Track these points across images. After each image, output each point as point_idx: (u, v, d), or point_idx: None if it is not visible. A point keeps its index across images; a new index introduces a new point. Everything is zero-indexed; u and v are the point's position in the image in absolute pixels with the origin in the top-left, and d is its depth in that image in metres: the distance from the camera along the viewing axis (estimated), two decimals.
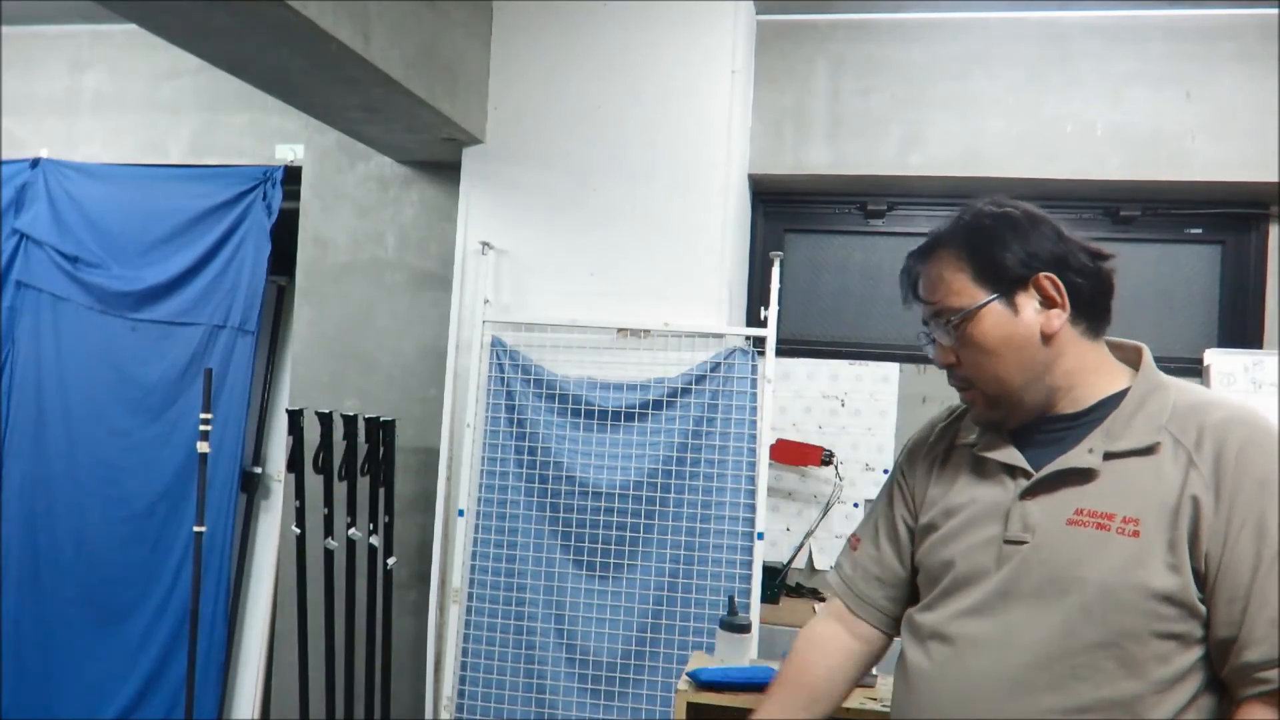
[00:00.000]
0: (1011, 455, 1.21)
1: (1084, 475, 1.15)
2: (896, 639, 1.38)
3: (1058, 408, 1.20)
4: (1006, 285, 1.18)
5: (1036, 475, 1.18)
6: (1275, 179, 2.93)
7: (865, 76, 3.21)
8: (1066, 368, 1.19)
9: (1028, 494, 1.17)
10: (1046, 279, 1.18)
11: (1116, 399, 1.18)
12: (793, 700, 1.37)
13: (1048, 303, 1.18)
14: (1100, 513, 1.12)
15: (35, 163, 3.69)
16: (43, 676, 3.53)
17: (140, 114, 3.70)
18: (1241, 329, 3.18)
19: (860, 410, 3.35)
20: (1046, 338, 1.18)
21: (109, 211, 3.61)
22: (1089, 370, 1.20)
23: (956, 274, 1.20)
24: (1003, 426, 1.23)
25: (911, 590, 1.36)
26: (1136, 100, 3.03)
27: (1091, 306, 1.20)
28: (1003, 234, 1.19)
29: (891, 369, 3.33)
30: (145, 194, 3.60)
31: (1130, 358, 1.23)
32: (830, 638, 1.40)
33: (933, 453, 1.34)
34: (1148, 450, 1.13)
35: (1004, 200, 1.24)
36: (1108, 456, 1.14)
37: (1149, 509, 1.10)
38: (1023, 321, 1.18)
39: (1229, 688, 1.10)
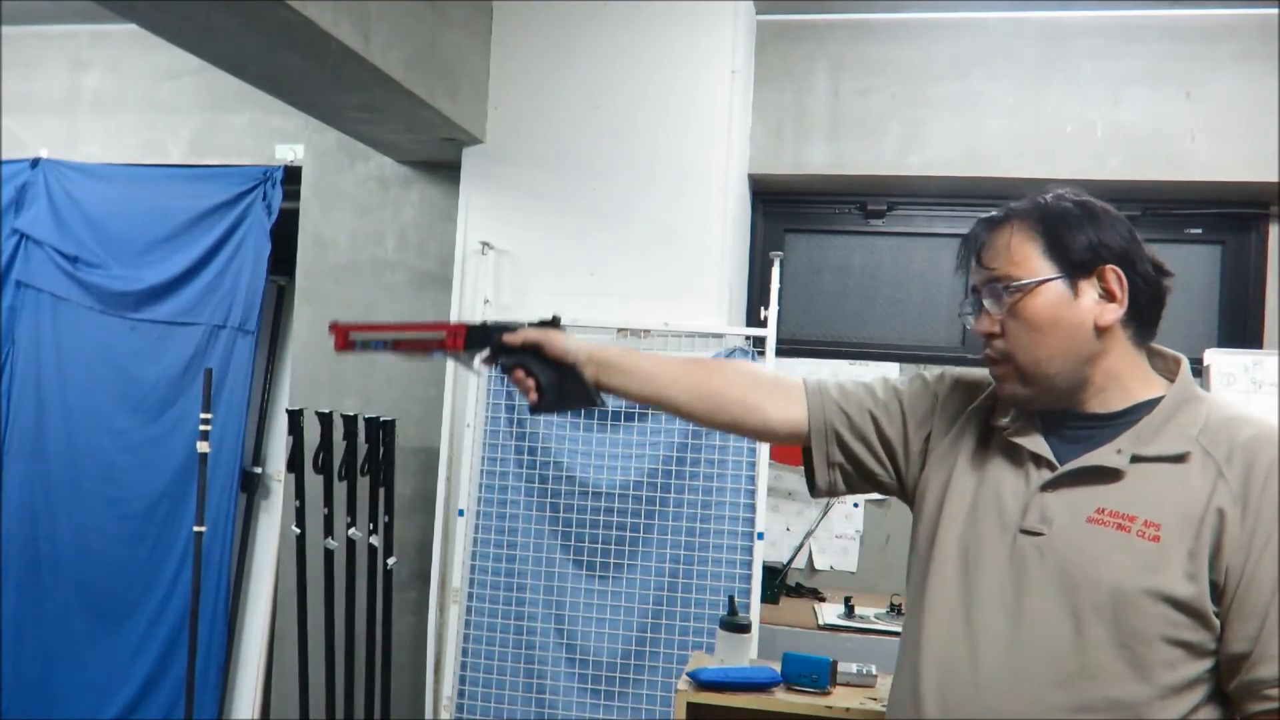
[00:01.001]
0: (1039, 445, 1.20)
1: (1109, 475, 1.14)
2: (891, 640, 1.36)
3: (1087, 406, 1.19)
4: (1072, 268, 1.17)
5: (1061, 469, 1.17)
6: (1275, 179, 2.93)
7: (865, 76, 3.21)
8: (1106, 367, 1.18)
9: (1049, 487, 1.17)
10: (1112, 271, 1.17)
11: (1150, 405, 1.18)
12: (688, 376, 1.36)
13: (1107, 295, 1.17)
14: (1122, 514, 1.12)
15: (35, 163, 3.69)
16: (43, 676, 3.53)
17: (140, 114, 3.70)
18: (1241, 329, 3.19)
19: None
20: (1099, 330, 1.17)
21: (109, 211, 3.62)
22: (1126, 374, 1.19)
23: (1025, 245, 1.18)
24: (1027, 407, 1.21)
25: (855, 465, 1.34)
26: (1136, 100, 3.03)
27: (1144, 314, 1.19)
28: (1080, 219, 1.19)
29: (891, 369, 3.33)
30: (145, 194, 3.61)
31: (1169, 368, 1.23)
32: (764, 387, 1.37)
33: (969, 422, 1.30)
34: (1177, 458, 1.12)
35: (1084, 194, 1.24)
36: (1135, 459, 1.14)
37: (1172, 516, 1.10)
38: (1079, 307, 1.17)
39: (1235, 703, 1.10)
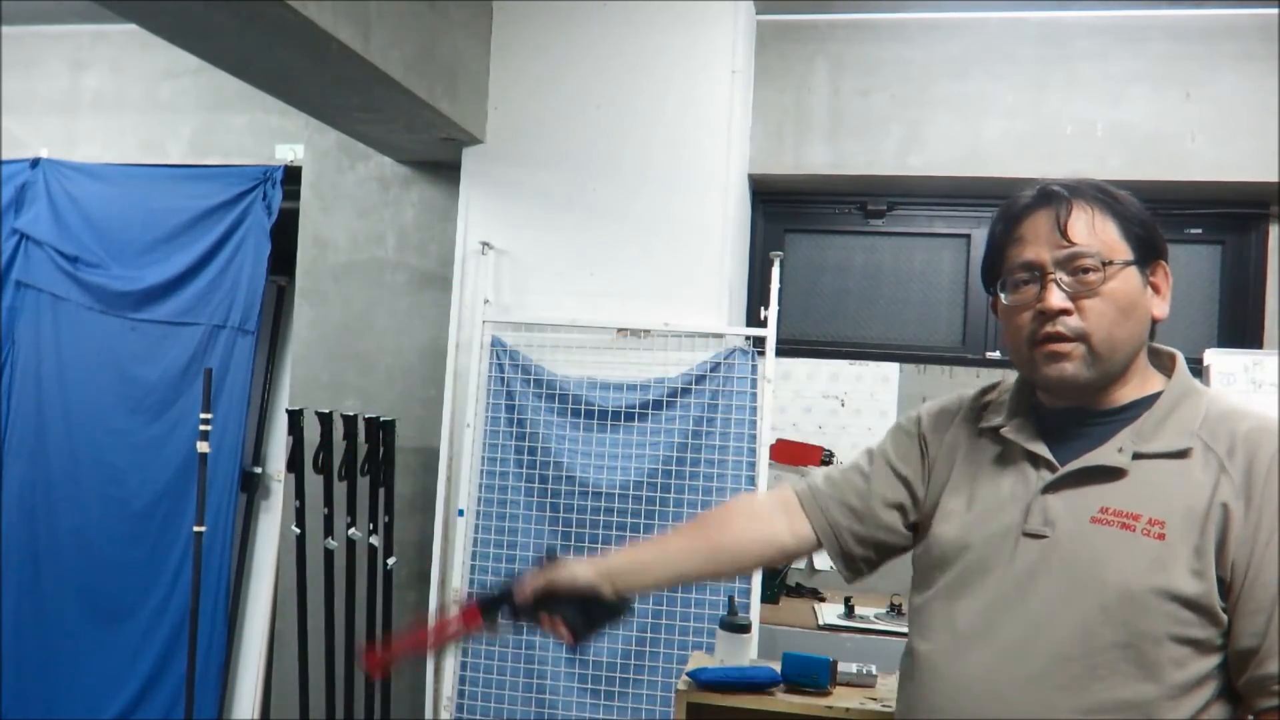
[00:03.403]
0: (1037, 445, 1.19)
1: (1111, 474, 1.13)
2: (900, 640, 1.36)
3: (1098, 402, 1.18)
4: (1142, 254, 1.16)
5: (1062, 470, 1.16)
6: (1275, 179, 2.93)
7: (865, 76, 3.21)
8: (1136, 361, 1.19)
9: (1050, 488, 1.16)
10: (1163, 266, 1.18)
11: (1149, 401, 1.17)
12: (697, 544, 1.35)
13: (1154, 289, 1.18)
14: (1126, 513, 1.10)
15: (35, 163, 3.69)
16: (43, 676, 3.53)
17: (140, 114, 3.70)
18: (1241, 329, 3.19)
19: (860, 410, 3.35)
20: (1153, 323, 1.18)
21: (109, 211, 3.62)
22: (1133, 370, 1.18)
23: (1107, 224, 1.16)
24: (1086, 390, 1.18)
25: (875, 546, 1.32)
26: (1136, 100, 3.03)
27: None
28: (1141, 210, 1.19)
29: (891, 369, 3.33)
30: (145, 194, 3.61)
31: (1164, 364, 1.22)
32: (765, 516, 1.36)
33: (959, 431, 1.30)
34: (1179, 454, 1.12)
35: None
36: (1136, 457, 1.13)
37: (1176, 512, 1.09)
38: (1146, 296, 1.17)
39: (1245, 698, 1.09)
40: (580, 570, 1.32)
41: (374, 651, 1.40)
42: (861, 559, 1.34)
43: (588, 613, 1.31)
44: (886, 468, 1.33)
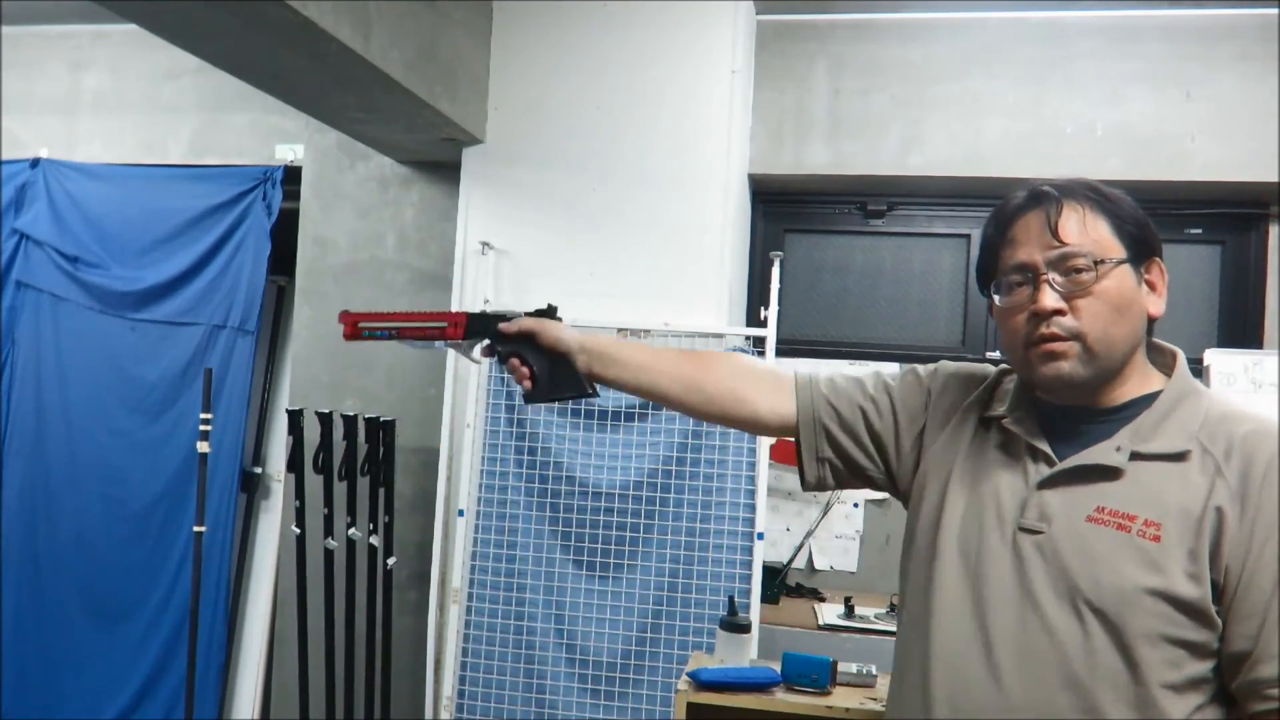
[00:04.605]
0: (1038, 440, 1.19)
1: (1108, 473, 1.13)
2: (891, 640, 1.35)
3: (1098, 400, 1.18)
4: (1135, 252, 1.16)
5: (1059, 465, 1.16)
6: (1275, 179, 2.93)
7: (865, 76, 3.21)
8: (1133, 359, 1.18)
9: (1047, 484, 1.16)
10: (1158, 263, 1.18)
11: (1148, 400, 1.17)
12: (682, 370, 1.37)
13: (1149, 287, 1.18)
14: (1122, 513, 1.10)
15: (35, 163, 3.69)
16: (43, 676, 3.53)
17: (140, 114, 3.70)
18: (1241, 329, 3.19)
19: None
20: (1150, 321, 1.18)
21: (109, 211, 3.62)
22: (1131, 368, 1.18)
23: (1098, 222, 1.16)
24: (1083, 390, 1.17)
25: (844, 459, 1.34)
26: (1136, 100, 3.04)
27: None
28: (1134, 207, 1.18)
29: (891, 369, 3.31)
30: (145, 194, 3.61)
31: (1165, 362, 1.22)
32: (753, 380, 1.37)
33: (966, 412, 1.29)
34: (1177, 456, 1.11)
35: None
36: (1134, 457, 1.12)
37: (1172, 515, 1.08)
38: (1141, 294, 1.17)
39: (1238, 702, 1.09)
40: (567, 334, 1.37)
41: (349, 312, 1.43)
42: (828, 463, 1.35)
43: (555, 373, 1.37)
44: (886, 397, 1.35)
